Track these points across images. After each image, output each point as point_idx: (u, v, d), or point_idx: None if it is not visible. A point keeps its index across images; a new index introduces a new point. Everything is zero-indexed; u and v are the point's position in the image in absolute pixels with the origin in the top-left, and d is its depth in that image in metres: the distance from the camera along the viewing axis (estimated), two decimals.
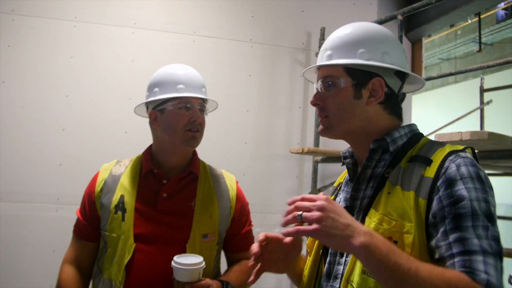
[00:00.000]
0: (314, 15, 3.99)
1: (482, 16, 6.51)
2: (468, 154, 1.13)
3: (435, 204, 1.05)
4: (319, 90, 1.29)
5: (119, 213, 1.67)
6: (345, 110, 1.26)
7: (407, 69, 1.27)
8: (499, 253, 0.98)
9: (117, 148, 3.38)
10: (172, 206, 1.72)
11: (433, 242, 1.04)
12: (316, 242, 1.36)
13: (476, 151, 1.20)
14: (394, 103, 1.27)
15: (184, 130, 1.71)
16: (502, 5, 7.20)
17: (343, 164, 1.37)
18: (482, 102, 5.05)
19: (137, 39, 3.61)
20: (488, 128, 4.78)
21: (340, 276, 1.21)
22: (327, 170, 3.89)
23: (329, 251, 1.30)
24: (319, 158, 3.75)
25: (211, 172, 1.88)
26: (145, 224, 1.67)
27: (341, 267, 1.22)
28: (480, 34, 6.31)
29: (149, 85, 1.81)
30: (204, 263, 1.55)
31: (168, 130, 1.73)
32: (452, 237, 1.00)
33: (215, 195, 1.79)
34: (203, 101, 1.81)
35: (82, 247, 1.76)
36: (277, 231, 1.36)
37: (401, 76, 1.27)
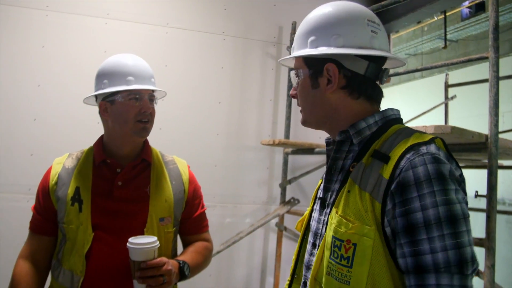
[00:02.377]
0: (286, 9, 4.12)
1: (447, 14, 6.79)
2: (432, 146, 1.06)
3: (390, 212, 1.02)
4: (293, 82, 1.31)
5: (76, 204, 1.73)
6: (308, 101, 1.26)
7: (373, 45, 1.18)
8: (459, 263, 0.94)
9: (90, 138, 3.35)
10: (128, 194, 1.79)
11: (394, 248, 1.03)
12: (304, 225, 1.36)
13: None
14: (360, 86, 1.20)
15: (134, 121, 1.77)
16: (466, 3, 7.51)
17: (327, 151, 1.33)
18: (446, 97, 5.29)
19: (110, 29, 3.66)
20: (452, 122, 5.03)
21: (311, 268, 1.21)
22: (298, 161, 4.04)
23: (310, 239, 1.29)
24: (289, 150, 3.89)
25: (163, 158, 1.96)
26: (102, 213, 1.74)
27: (313, 259, 1.22)
28: (445, 31, 6.57)
29: (97, 75, 1.85)
30: (158, 242, 1.61)
31: (119, 121, 1.78)
32: (406, 251, 0.99)
33: (168, 179, 1.88)
34: (153, 91, 1.87)
35: (38, 241, 1.81)
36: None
37: (367, 56, 1.18)
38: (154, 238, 1.61)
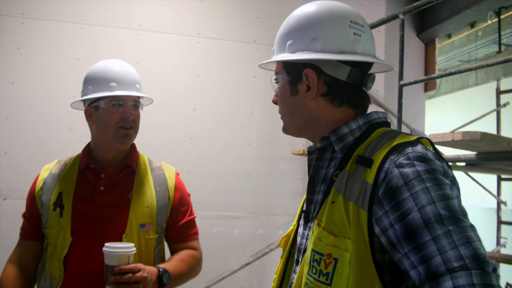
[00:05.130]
0: None
1: (502, 17, 6.51)
2: (419, 146, 0.99)
3: (382, 221, 0.94)
4: (273, 88, 1.25)
5: (57, 209, 1.76)
6: (287, 108, 1.20)
7: (355, 49, 1.12)
8: (475, 258, 0.83)
9: None
10: (109, 199, 1.79)
11: (396, 260, 0.93)
12: (288, 243, 1.29)
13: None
14: (342, 92, 1.13)
15: (116, 128, 1.77)
16: None
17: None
18: (498, 104, 5.07)
19: (142, 41, 3.79)
20: (505, 131, 4.81)
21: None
22: None
23: (295, 256, 1.22)
24: None
25: (150, 164, 1.96)
26: (82, 218, 1.75)
27: (295, 277, 1.15)
28: (499, 35, 6.31)
29: (83, 80, 1.87)
30: (134, 249, 1.59)
31: (102, 127, 1.80)
32: (414, 260, 0.88)
33: (152, 185, 1.87)
34: (138, 97, 1.87)
35: (25, 246, 1.85)
36: None
37: (350, 62, 1.12)
38: (131, 245, 1.60)
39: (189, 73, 3.85)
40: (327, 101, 1.14)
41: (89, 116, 1.85)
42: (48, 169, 1.90)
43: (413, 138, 1.03)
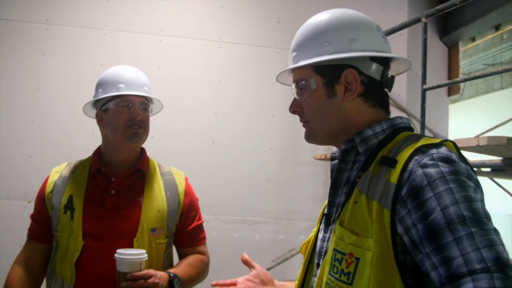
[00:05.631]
0: None
1: None
2: (443, 148, 0.99)
3: (405, 220, 0.94)
4: (294, 95, 1.23)
5: (68, 212, 1.77)
6: (321, 112, 1.18)
7: (386, 50, 1.17)
8: (497, 262, 0.82)
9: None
10: (120, 202, 1.82)
11: (417, 261, 0.92)
12: (308, 249, 1.29)
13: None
14: (376, 92, 1.17)
15: (125, 127, 1.81)
16: None
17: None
18: None
19: (164, 46, 3.83)
20: None
21: None
22: None
23: (315, 260, 1.22)
24: None
25: (160, 169, 1.98)
26: (93, 221, 1.77)
27: (315, 280, 1.15)
28: None
29: (95, 86, 1.94)
30: (146, 255, 1.62)
31: (111, 128, 1.84)
32: (435, 261, 0.87)
33: (163, 190, 1.90)
34: (147, 100, 1.92)
35: (32, 248, 1.87)
36: None
37: (382, 59, 1.16)
38: (143, 251, 1.63)
39: (211, 78, 3.88)
40: (363, 101, 1.16)
41: (100, 119, 1.90)
42: (58, 172, 1.92)
43: (438, 140, 1.03)
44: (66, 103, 3.66)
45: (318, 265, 1.18)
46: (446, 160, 0.95)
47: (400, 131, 1.14)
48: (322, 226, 1.24)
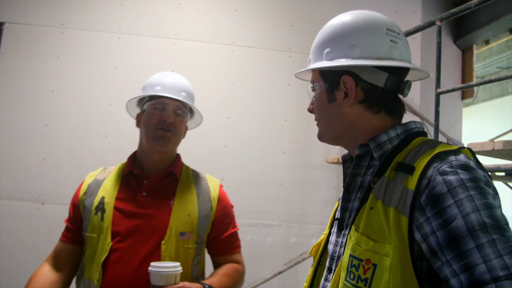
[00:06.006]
0: None
1: None
2: (461, 156, 0.99)
3: (423, 227, 0.93)
4: (309, 96, 1.29)
5: (99, 213, 1.78)
6: (324, 116, 1.22)
7: (393, 56, 1.14)
8: None
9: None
10: (151, 205, 1.81)
11: (435, 268, 0.92)
12: (319, 252, 1.29)
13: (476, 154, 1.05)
14: (379, 99, 1.15)
15: (155, 129, 1.83)
16: None
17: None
18: None
19: (177, 49, 3.85)
20: None
21: None
22: None
23: (327, 264, 1.22)
24: None
25: (194, 174, 1.97)
26: (123, 223, 1.77)
27: (328, 284, 1.16)
28: None
29: (145, 82, 1.97)
30: (180, 268, 1.61)
31: (143, 129, 1.88)
32: (457, 268, 0.86)
33: (195, 195, 1.88)
34: (185, 107, 1.92)
35: (62, 248, 1.87)
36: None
37: (387, 67, 1.14)
38: (177, 264, 1.62)
39: (224, 81, 3.88)
40: (364, 107, 1.16)
41: (138, 121, 1.94)
42: (93, 176, 1.94)
43: (455, 147, 1.03)
44: (80, 106, 3.70)
45: (330, 269, 1.18)
46: (465, 167, 0.95)
47: (414, 136, 1.13)
48: (334, 230, 1.23)
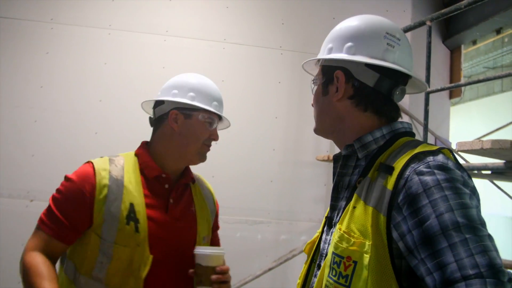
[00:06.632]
0: None
1: None
2: (440, 156, 1.02)
3: (400, 226, 0.96)
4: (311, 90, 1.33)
5: (131, 223, 1.60)
6: (318, 108, 1.27)
7: (387, 59, 1.16)
8: (490, 267, 0.85)
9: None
10: (179, 213, 1.74)
11: (412, 266, 0.95)
12: (313, 249, 1.31)
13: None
14: (367, 98, 1.18)
15: (203, 143, 1.74)
16: None
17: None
18: None
19: (168, 46, 3.83)
20: None
21: None
22: None
23: (317, 261, 1.24)
24: None
25: (196, 176, 1.93)
26: (157, 233, 1.65)
27: (315, 280, 1.18)
28: None
29: (177, 84, 1.78)
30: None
31: (189, 137, 1.73)
32: (430, 266, 0.90)
33: (204, 198, 1.90)
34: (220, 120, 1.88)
35: (54, 247, 1.60)
36: None
37: (379, 69, 1.16)
38: (220, 247, 1.77)
39: (215, 78, 3.78)
40: (353, 104, 1.19)
41: (173, 120, 1.73)
42: (105, 170, 1.64)
43: (435, 147, 1.06)
44: (69, 102, 3.67)
45: (319, 266, 1.21)
46: (442, 167, 0.98)
47: (400, 136, 1.17)
48: (325, 228, 1.27)
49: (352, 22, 1.24)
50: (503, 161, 2.76)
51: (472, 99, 9.09)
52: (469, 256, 0.86)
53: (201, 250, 1.63)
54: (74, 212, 1.60)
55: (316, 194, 3.91)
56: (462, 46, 4.95)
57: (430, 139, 3.84)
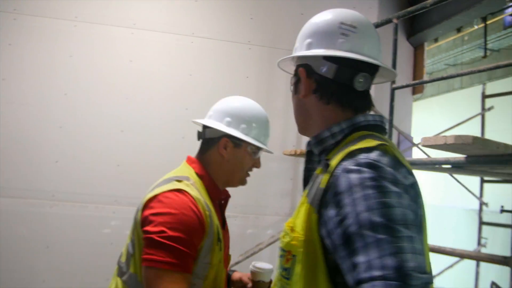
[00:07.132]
0: None
1: (488, 22, 6.61)
2: (374, 153, 0.99)
3: (326, 224, 0.97)
4: None
5: (219, 243, 1.67)
6: (293, 107, 1.29)
7: (341, 48, 1.16)
8: (398, 270, 0.83)
9: (113, 147, 3.53)
10: (225, 231, 1.85)
11: (338, 263, 0.94)
12: None
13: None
14: (328, 89, 1.17)
15: (246, 172, 1.83)
16: (510, 10, 7.30)
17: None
18: (483, 108, 5.15)
19: (136, 39, 3.78)
20: (489, 134, 4.88)
21: None
22: None
23: None
24: None
25: None
26: (225, 248, 1.82)
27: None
28: (485, 40, 6.40)
29: (231, 112, 1.82)
30: None
31: (236, 165, 1.79)
32: (347, 264, 0.90)
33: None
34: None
35: (189, 282, 1.55)
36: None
37: (337, 60, 1.15)
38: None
39: (182, 72, 3.85)
40: (317, 98, 1.19)
41: (223, 147, 1.77)
42: (198, 197, 1.63)
43: (374, 144, 1.02)
44: (33, 96, 3.58)
45: None
46: (370, 165, 0.95)
47: (358, 130, 1.13)
48: None
49: (312, 19, 1.25)
50: (464, 155, 2.84)
51: (433, 95, 9.33)
52: (379, 258, 0.84)
53: (265, 266, 1.78)
54: (191, 240, 1.55)
55: (283, 188, 3.94)
56: (425, 44, 5.07)
57: (394, 134, 3.92)
